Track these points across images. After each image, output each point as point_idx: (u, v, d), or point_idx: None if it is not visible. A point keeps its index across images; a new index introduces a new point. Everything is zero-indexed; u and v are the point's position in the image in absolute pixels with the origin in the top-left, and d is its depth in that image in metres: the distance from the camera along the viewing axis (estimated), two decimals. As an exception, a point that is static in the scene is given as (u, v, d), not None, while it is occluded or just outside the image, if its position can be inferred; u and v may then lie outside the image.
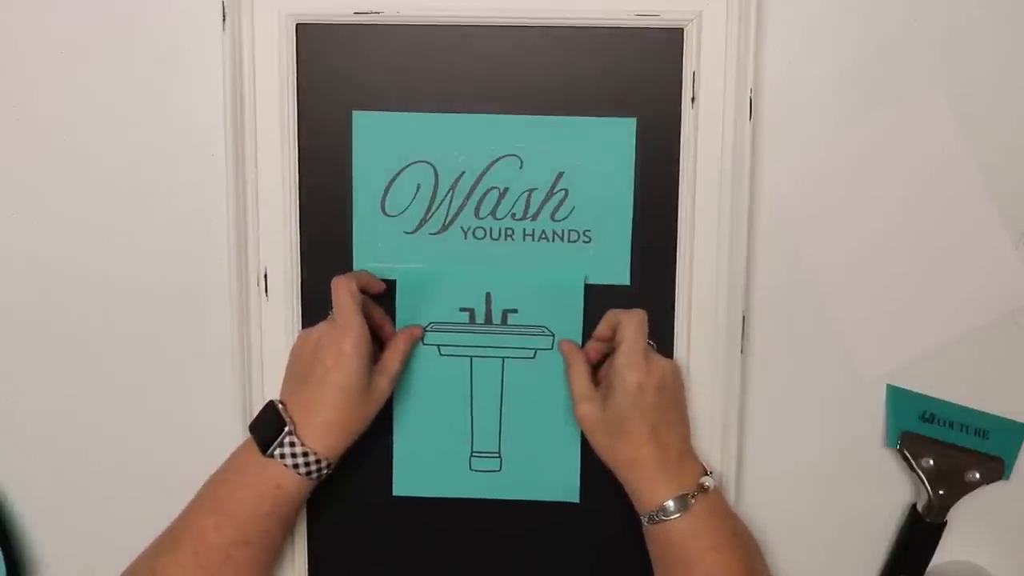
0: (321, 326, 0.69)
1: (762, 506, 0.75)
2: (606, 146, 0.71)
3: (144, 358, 0.75)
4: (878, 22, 0.70)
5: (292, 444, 0.66)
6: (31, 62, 0.72)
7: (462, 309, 0.73)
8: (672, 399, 0.69)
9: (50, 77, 0.72)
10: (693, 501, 0.66)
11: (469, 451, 0.75)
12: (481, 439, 0.74)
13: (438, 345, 0.73)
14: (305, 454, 0.66)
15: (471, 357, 0.74)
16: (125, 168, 0.73)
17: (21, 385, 0.76)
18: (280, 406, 0.68)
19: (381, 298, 0.72)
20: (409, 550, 0.76)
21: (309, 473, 0.66)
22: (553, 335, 0.73)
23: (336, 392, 0.66)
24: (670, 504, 0.66)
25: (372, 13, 0.69)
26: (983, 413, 0.74)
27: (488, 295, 0.73)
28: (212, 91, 0.71)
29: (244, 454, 0.68)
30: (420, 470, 0.75)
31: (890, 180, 0.72)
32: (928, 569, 0.75)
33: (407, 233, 0.73)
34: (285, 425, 0.66)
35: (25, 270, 0.74)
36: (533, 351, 0.73)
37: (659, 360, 0.69)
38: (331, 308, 0.69)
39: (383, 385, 0.69)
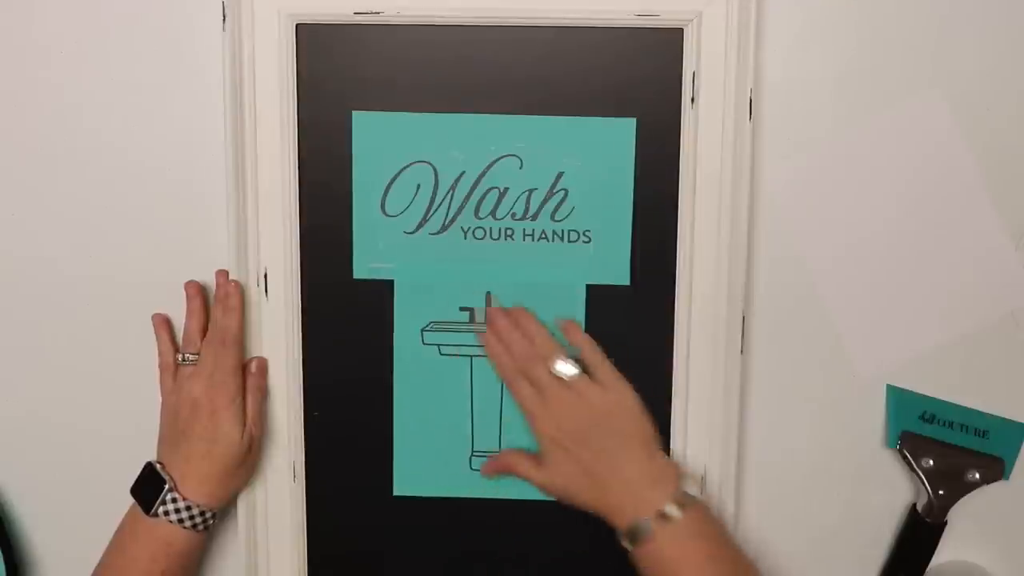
0: (185, 385, 0.70)
1: (762, 506, 0.75)
2: (606, 146, 0.71)
3: (144, 358, 0.75)
4: (877, 22, 0.70)
5: (174, 500, 0.67)
6: (31, 62, 0.72)
7: (462, 309, 0.73)
8: (602, 433, 0.67)
9: (50, 77, 0.72)
10: (652, 528, 0.65)
11: (469, 451, 0.75)
12: (481, 439, 0.74)
13: (438, 345, 0.73)
14: (188, 508, 0.67)
15: (471, 357, 0.74)
16: (125, 168, 0.73)
17: (21, 385, 0.76)
18: (158, 466, 0.69)
19: (381, 298, 0.73)
20: (409, 550, 0.76)
21: (195, 525, 0.68)
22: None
23: (205, 445, 0.68)
24: (626, 543, 0.66)
25: (372, 13, 0.69)
26: (983, 413, 0.74)
27: (488, 295, 0.73)
28: (212, 91, 0.71)
29: (131, 519, 0.69)
30: (420, 470, 0.75)
31: (890, 180, 0.72)
32: (928, 569, 0.75)
33: (407, 233, 0.73)
34: (164, 483, 0.67)
35: (25, 270, 0.74)
36: (533, 351, 0.73)
37: (567, 400, 0.68)
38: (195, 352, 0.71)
39: (246, 434, 0.70)
